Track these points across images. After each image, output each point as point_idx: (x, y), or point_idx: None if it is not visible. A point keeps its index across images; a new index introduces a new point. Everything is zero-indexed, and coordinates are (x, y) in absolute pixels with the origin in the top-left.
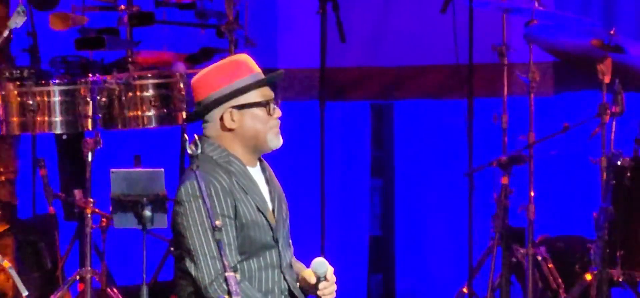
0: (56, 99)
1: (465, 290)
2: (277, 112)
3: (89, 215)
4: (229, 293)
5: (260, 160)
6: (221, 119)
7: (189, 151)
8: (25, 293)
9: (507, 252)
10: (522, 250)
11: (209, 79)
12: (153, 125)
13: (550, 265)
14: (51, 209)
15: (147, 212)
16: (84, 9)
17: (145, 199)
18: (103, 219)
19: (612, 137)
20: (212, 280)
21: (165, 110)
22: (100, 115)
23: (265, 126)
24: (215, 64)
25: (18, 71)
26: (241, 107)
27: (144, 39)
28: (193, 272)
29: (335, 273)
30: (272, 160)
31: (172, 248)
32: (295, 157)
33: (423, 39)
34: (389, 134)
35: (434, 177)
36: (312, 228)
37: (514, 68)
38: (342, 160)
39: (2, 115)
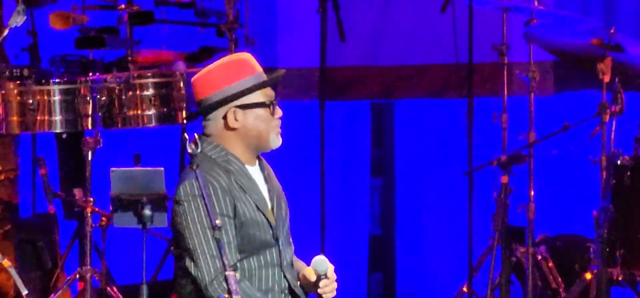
0: (56, 98)
1: (465, 289)
2: (279, 112)
3: (89, 214)
4: (229, 292)
5: (259, 159)
6: (224, 117)
7: (189, 150)
8: (25, 292)
9: (507, 251)
10: (522, 249)
11: (213, 77)
12: (153, 124)
13: (550, 264)
14: (51, 208)
15: (147, 211)
16: (84, 8)
17: (145, 198)
18: (103, 218)
19: (612, 136)
20: (212, 279)
21: (165, 110)
22: (100, 114)
23: (268, 126)
24: (217, 62)
25: (18, 70)
26: (245, 107)
27: (144, 38)
28: (193, 271)
29: (335, 272)
30: (272, 159)
31: (172, 248)
32: (295, 157)
33: (423, 38)
34: (389, 133)
35: (434, 176)
36: (312, 228)
37: (513, 67)
38: (342, 159)
39: (2, 114)
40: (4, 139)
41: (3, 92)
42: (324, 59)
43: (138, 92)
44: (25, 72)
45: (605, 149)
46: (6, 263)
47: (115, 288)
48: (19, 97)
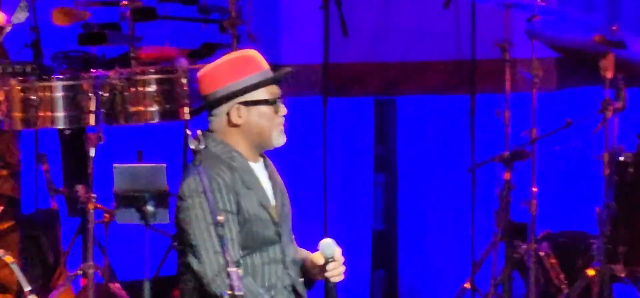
0: (59, 94)
1: (467, 285)
2: (283, 110)
3: (92, 211)
4: (232, 288)
5: (263, 156)
6: (227, 114)
7: (192, 146)
8: (27, 288)
9: (509, 247)
10: (524, 246)
11: (218, 73)
12: (155, 120)
13: (552, 261)
14: (53, 204)
15: (150, 208)
16: (86, 5)
17: (147, 194)
18: (105, 214)
19: (615, 132)
20: (215, 275)
21: (167, 106)
22: (102, 111)
23: (271, 123)
24: (223, 58)
25: (21, 66)
26: (249, 103)
27: (146, 34)
28: (196, 267)
29: None
30: (275, 155)
31: (174, 244)
32: (298, 153)
33: (426, 34)
34: (391, 129)
35: (436, 172)
36: (315, 224)
37: (516, 64)
38: (345, 155)
39: (5, 110)
40: (6, 134)
41: (6, 88)
42: (327, 55)
43: (140, 89)
44: (28, 68)
45: (608, 145)
46: (9, 259)
47: (117, 285)
48: (21, 93)
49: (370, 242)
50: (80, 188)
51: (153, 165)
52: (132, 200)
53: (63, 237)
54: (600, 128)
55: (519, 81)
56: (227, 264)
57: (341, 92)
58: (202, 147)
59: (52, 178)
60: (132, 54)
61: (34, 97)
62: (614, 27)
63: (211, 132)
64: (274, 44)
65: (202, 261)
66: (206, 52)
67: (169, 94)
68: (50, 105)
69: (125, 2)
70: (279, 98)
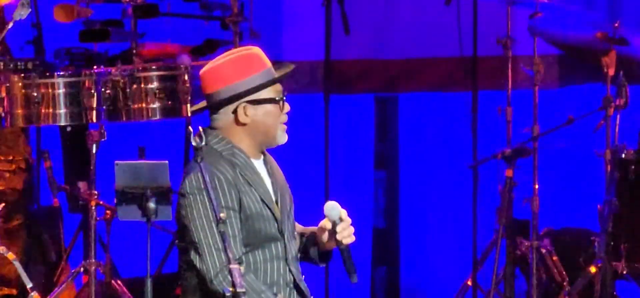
0: (61, 91)
1: (469, 282)
2: (287, 107)
3: (93, 208)
4: (234, 285)
5: (264, 153)
6: (234, 112)
7: (194, 143)
8: (29, 285)
9: (511, 244)
10: (526, 243)
11: (223, 71)
12: (157, 117)
13: (554, 258)
14: (55, 201)
15: (152, 204)
16: (88, 1)
17: (149, 191)
18: (107, 211)
19: (617, 129)
20: (217, 272)
21: (169, 103)
22: (104, 107)
23: (276, 122)
24: (226, 56)
25: (22, 63)
26: (256, 102)
27: (148, 31)
28: (198, 264)
29: (338, 267)
30: (277, 152)
31: (176, 241)
32: (300, 150)
33: (427, 31)
34: (393, 126)
35: (438, 169)
36: (316, 221)
37: (518, 60)
38: (346, 152)
39: (7, 107)
40: (13, 131)
41: (7, 85)
42: (329, 52)
43: (142, 85)
44: (30, 65)
45: (610, 142)
46: (11, 256)
47: (119, 282)
48: (23, 90)
49: (371, 239)
50: (82, 185)
51: (155, 162)
52: (134, 197)
53: (65, 234)
54: (602, 125)
55: (521, 78)
56: (229, 261)
57: (343, 89)
58: (203, 143)
59: (54, 175)
60: (134, 51)
61: (36, 94)
62: (616, 24)
63: (213, 129)
64: (276, 41)
65: (203, 258)
66: (208, 49)
67: (171, 91)
68: (52, 102)
69: None
70: (283, 96)
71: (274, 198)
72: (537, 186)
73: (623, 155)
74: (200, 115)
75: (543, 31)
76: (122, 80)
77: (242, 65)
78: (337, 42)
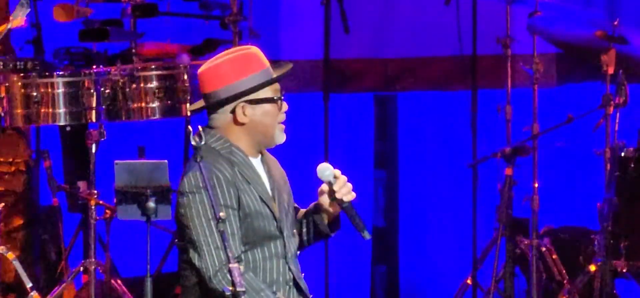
0: (60, 90)
1: (469, 281)
2: (285, 107)
3: (93, 207)
4: (233, 284)
5: (262, 152)
6: (232, 111)
7: (193, 143)
8: (29, 285)
9: (511, 243)
10: (526, 241)
11: (222, 71)
12: (157, 116)
13: (554, 256)
14: (55, 201)
15: (151, 204)
16: (88, 1)
17: (149, 191)
18: (107, 211)
19: (616, 128)
20: (216, 271)
21: (169, 102)
22: (104, 107)
23: (274, 121)
24: (224, 55)
25: (22, 63)
26: (255, 102)
27: (147, 31)
28: (197, 263)
29: (338, 265)
30: (276, 151)
31: (176, 240)
32: (299, 149)
33: (427, 30)
34: (392, 125)
35: (437, 168)
36: None
37: (517, 59)
38: (346, 151)
39: (6, 107)
40: (13, 132)
41: (7, 84)
42: (328, 51)
43: (142, 85)
44: (29, 64)
45: (609, 140)
46: (10, 255)
47: (119, 281)
48: (23, 90)
49: (371, 238)
50: (81, 185)
51: (154, 161)
52: (134, 197)
53: (65, 233)
54: (602, 123)
55: (520, 77)
56: (228, 260)
57: (342, 88)
58: (202, 142)
59: (53, 174)
60: (133, 50)
61: (35, 94)
62: (615, 23)
63: (211, 128)
64: (275, 40)
65: (203, 257)
66: (208, 48)
67: (170, 90)
68: (52, 101)
69: None
70: (281, 95)
71: (272, 196)
72: (536, 185)
73: (622, 154)
74: (199, 114)
75: (542, 30)
76: (121, 80)
77: (240, 65)
78: (336, 41)
